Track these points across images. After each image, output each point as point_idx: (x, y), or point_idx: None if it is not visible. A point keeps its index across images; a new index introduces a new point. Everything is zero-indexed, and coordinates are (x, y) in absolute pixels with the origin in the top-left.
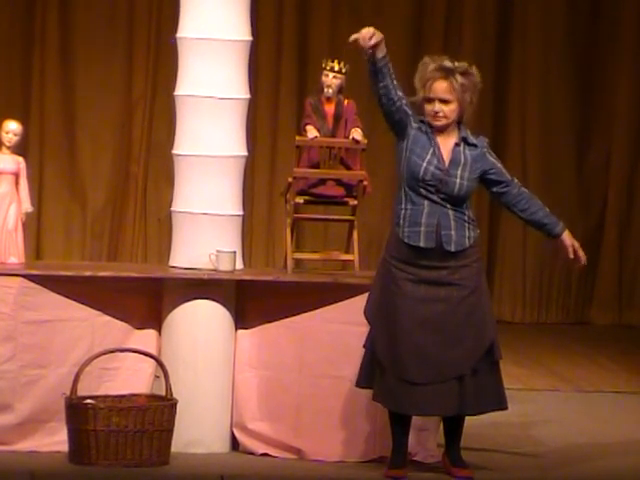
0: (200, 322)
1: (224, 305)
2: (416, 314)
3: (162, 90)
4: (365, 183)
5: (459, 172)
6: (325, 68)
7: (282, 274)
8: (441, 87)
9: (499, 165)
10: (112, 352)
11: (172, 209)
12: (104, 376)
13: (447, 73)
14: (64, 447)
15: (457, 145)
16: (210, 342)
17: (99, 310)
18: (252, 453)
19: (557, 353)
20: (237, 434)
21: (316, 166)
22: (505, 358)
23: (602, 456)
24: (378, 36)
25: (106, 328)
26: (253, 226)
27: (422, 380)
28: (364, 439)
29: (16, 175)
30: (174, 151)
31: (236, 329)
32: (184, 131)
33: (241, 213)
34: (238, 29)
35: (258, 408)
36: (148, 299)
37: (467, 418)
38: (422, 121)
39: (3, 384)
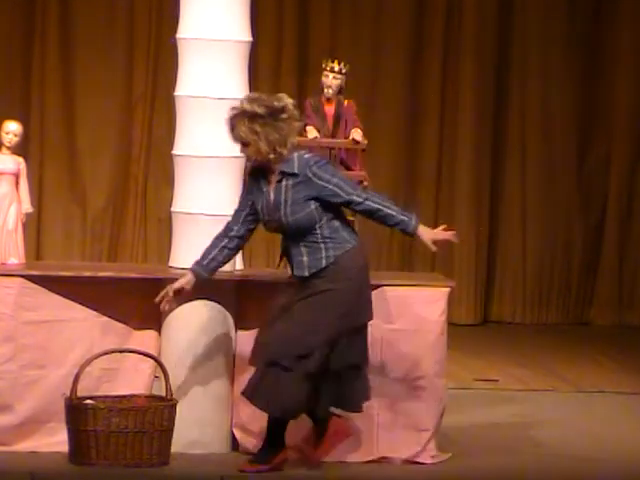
0: (200, 322)
1: (224, 305)
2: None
3: (162, 90)
4: (365, 183)
5: (282, 211)
6: (325, 68)
7: (282, 274)
8: (234, 135)
9: (334, 182)
10: (112, 352)
11: (172, 209)
12: (104, 376)
13: (233, 122)
14: (64, 447)
15: (279, 182)
16: (210, 342)
17: (99, 311)
18: (252, 453)
19: (557, 353)
20: (237, 434)
21: None
22: (505, 358)
23: (602, 456)
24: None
25: (106, 328)
26: None
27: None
28: (364, 439)
29: (16, 175)
30: (174, 151)
31: (236, 329)
32: (184, 131)
33: None
34: (238, 29)
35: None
36: (148, 299)
37: (466, 419)
38: (253, 168)
39: (3, 384)
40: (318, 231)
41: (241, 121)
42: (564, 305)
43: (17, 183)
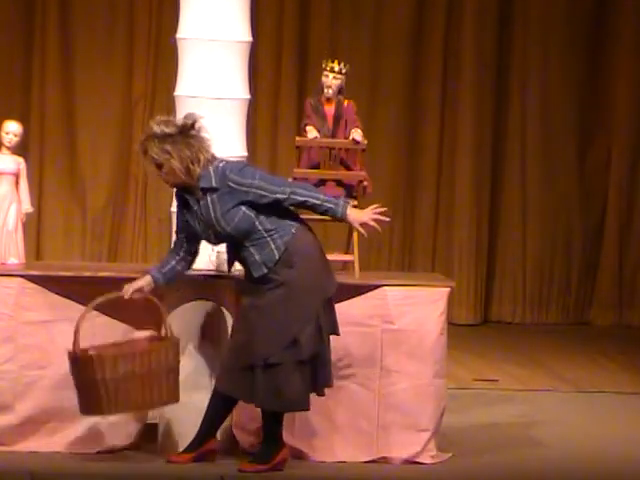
0: (200, 322)
1: (224, 305)
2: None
3: (162, 90)
4: (365, 183)
5: (217, 224)
6: (325, 69)
7: None
8: (147, 158)
9: (255, 185)
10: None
11: (172, 209)
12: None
13: (145, 145)
14: (64, 447)
15: (203, 199)
16: (210, 342)
17: (99, 310)
18: (252, 453)
19: (557, 353)
20: (237, 434)
21: (316, 167)
22: (505, 358)
23: (602, 456)
24: (136, 288)
25: (106, 328)
26: None
27: None
28: (364, 439)
29: (16, 175)
30: None
31: None
32: None
33: None
34: (238, 29)
35: (258, 408)
36: (148, 299)
37: (466, 419)
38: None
39: (3, 384)
40: (260, 227)
41: (152, 143)
42: (564, 305)
43: (17, 183)
